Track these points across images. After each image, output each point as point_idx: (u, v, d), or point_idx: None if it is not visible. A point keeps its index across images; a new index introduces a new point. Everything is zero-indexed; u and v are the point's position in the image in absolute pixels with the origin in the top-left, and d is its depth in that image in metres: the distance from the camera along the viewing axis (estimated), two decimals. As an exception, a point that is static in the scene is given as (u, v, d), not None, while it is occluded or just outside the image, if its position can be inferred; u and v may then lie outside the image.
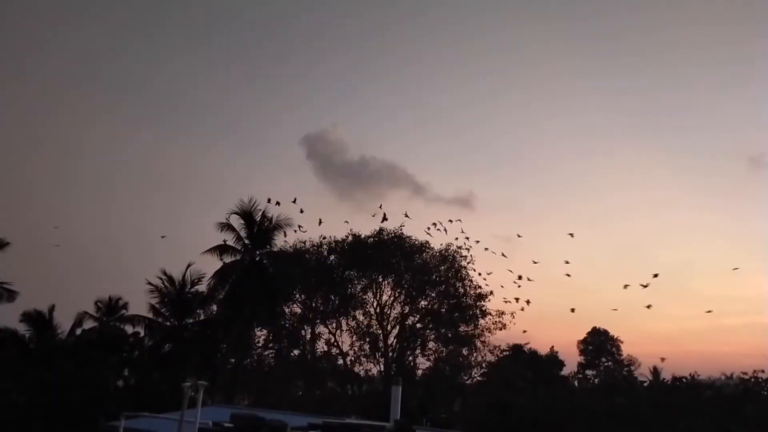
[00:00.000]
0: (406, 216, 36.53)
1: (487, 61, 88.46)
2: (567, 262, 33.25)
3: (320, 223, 38.50)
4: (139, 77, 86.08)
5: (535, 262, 34.72)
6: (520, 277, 34.09)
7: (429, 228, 37.15)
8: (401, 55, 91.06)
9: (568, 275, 33.20)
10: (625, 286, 28.82)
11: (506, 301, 36.30)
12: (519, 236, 36.08)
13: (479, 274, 40.01)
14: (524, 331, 39.21)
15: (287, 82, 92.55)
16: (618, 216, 77.10)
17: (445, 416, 38.37)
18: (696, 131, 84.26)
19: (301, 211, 34.90)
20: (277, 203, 33.74)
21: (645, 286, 29.07)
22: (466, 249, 37.70)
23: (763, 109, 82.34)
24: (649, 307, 31.02)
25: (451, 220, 35.92)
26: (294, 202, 33.79)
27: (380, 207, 36.39)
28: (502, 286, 38.12)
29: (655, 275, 28.83)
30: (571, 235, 33.06)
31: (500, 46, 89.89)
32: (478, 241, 38.64)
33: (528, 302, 35.12)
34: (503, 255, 33.86)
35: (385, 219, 35.64)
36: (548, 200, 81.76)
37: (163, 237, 37.95)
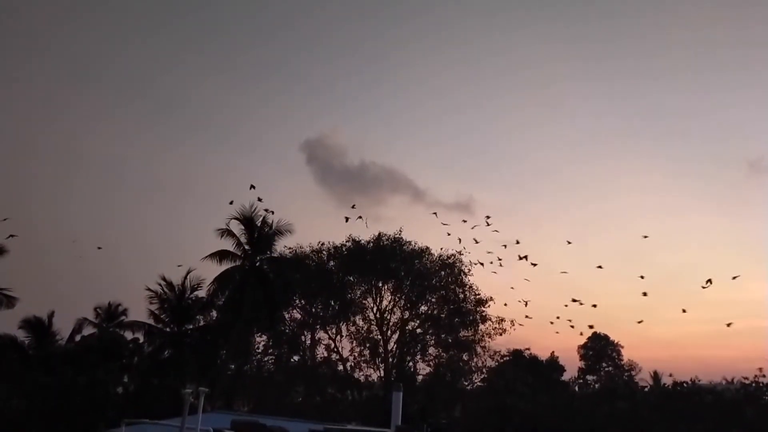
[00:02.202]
0: (443, 224, 34.81)
1: (486, 65, 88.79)
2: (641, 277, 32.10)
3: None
4: (138, 82, 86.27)
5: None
6: (577, 302, 33.11)
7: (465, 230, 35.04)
8: (401, 59, 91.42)
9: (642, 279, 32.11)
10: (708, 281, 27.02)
11: (571, 325, 34.41)
12: (569, 243, 33.66)
13: (519, 301, 37.40)
14: (589, 332, 36.72)
15: (287, 87, 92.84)
16: (618, 221, 77.22)
17: (445, 422, 38.31)
18: (695, 136, 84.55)
19: (259, 199, 33.01)
20: (252, 187, 32.14)
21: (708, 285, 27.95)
22: (496, 259, 35.66)
23: (762, 113, 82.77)
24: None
25: (488, 224, 34.10)
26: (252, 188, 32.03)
27: (353, 207, 34.54)
28: (557, 317, 35.43)
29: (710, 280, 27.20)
30: (646, 236, 32.09)
31: (500, 50, 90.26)
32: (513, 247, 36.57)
33: (591, 327, 34.05)
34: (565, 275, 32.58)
35: (347, 219, 34.23)
36: (548, 205, 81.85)
37: (99, 248, 34.71)
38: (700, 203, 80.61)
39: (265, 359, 41.27)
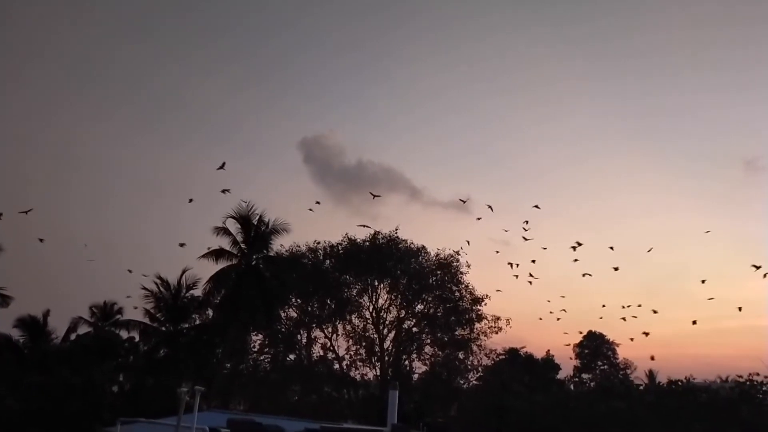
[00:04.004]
0: (477, 218, 33.74)
1: (483, 64, 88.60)
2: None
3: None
4: (135, 82, 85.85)
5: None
6: (629, 307, 32.59)
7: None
8: (398, 59, 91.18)
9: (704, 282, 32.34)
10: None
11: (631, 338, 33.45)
12: (616, 269, 32.38)
13: (558, 319, 36.29)
14: (645, 334, 36.06)
15: (284, 87, 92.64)
16: (614, 219, 77.15)
17: (441, 420, 38.35)
18: (691, 135, 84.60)
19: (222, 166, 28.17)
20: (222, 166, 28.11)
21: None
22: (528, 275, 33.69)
23: (758, 112, 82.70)
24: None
25: (526, 221, 31.81)
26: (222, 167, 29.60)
27: (317, 203, 33.29)
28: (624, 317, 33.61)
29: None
30: (708, 231, 31.78)
31: (496, 49, 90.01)
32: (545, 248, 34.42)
33: (646, 334, 33.56)
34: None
35: (312, 208, 33.19)
36: (545, 204, 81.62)
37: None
38: (697, 202, 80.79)
39: (261, 358, 41.33)
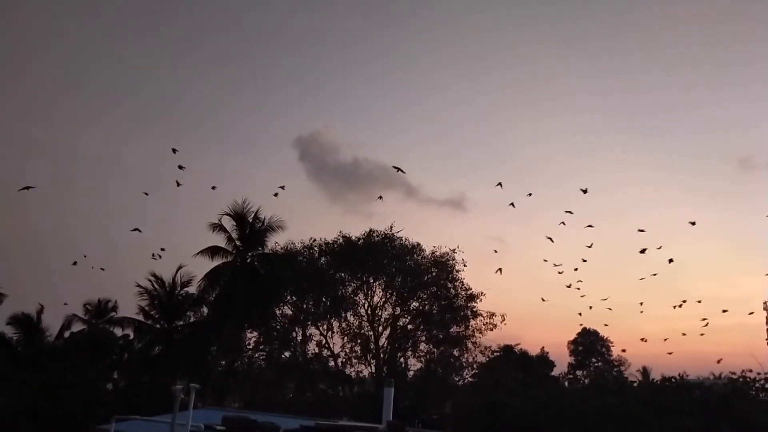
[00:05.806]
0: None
1: (479, 62, 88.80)
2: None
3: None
4: (131, 80, 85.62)
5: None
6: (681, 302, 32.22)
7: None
8: (394, 56, 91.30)
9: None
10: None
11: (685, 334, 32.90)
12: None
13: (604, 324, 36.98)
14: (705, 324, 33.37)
15: (279, 84, 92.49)
16: (608, 216, 77.55)
17: (436, 417, 38.43)
18: (686, 132, 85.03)
19: (174, 151, 27.80)
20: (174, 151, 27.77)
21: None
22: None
23: (753, 110, 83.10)
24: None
25: (569, 211, 30.43)
26: (174, 152, 27.60)
27: (282, 188, 31.19)
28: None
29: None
30: None
31: (492, 46, 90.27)
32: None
33: (706, 326, 32.24)
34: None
35: (276, 195, 31.53)
36: (540, 201, 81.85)
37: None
38: (691, 199, 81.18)
39: (256, 355, 41.25)
